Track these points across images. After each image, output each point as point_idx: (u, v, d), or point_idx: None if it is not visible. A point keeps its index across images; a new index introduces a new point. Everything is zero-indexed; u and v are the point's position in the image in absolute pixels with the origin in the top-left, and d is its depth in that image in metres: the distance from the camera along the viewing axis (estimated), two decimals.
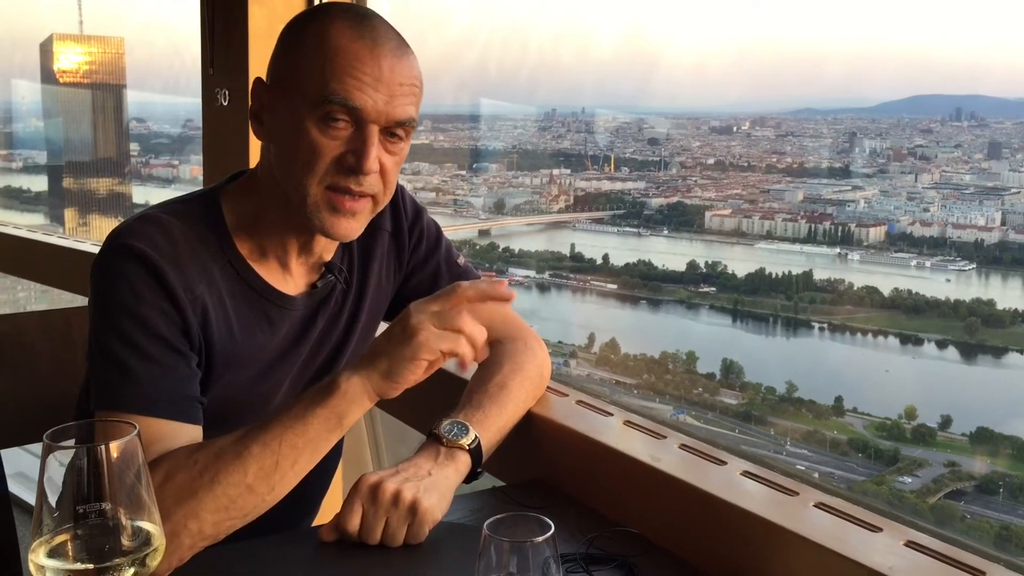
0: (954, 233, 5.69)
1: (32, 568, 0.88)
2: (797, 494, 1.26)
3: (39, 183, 8.88)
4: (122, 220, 1.34)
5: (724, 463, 1.36)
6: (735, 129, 6.79)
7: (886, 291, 5.82)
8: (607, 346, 6.14)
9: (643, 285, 6.56)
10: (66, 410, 1.45)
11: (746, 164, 6.62)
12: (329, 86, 1.25)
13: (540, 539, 0.86)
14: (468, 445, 1.33)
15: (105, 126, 8.38)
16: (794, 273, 6.16)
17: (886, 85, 6.96)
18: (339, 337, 1.49)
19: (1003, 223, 5.59)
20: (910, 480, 4.81)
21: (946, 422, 4.93)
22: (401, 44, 1.31)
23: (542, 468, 1.52)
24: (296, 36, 1.32)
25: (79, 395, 1.46)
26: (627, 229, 6.83)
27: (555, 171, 7.24)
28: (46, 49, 8.02)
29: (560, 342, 6.14)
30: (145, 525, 0.90)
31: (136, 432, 0.90)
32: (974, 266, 5.55)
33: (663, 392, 5.84)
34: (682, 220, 6.69)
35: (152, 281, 1.25)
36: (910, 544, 1.12)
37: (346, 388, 1.22)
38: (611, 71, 8.69)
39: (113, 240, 1.29)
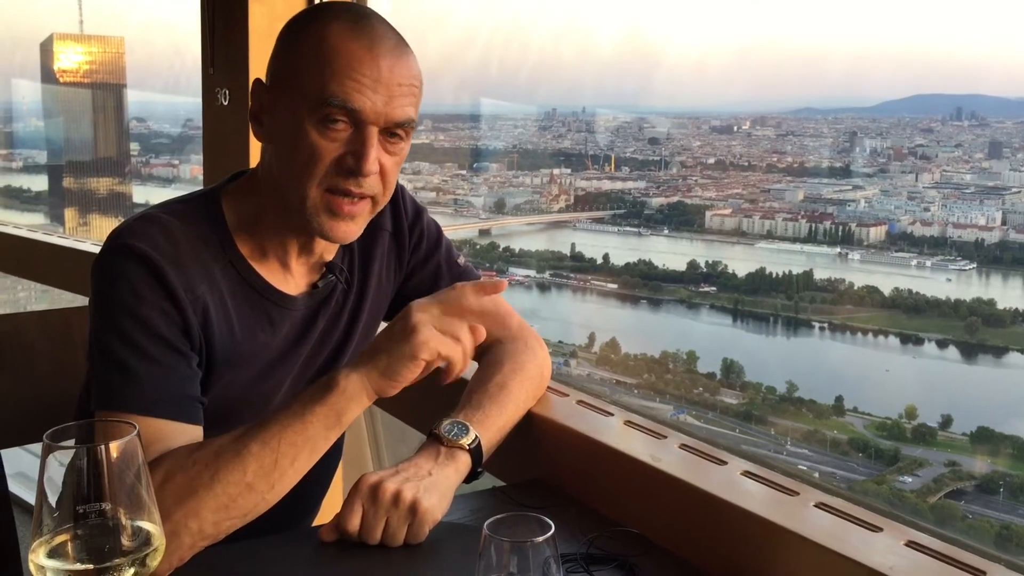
0: (955, 233, 5.69)
1: (32, 568, 0.88)
2: (797, 494, 1.26)
3: (39, 183, 8.89)
4: (122, 220, 1.34)
5: (724, 463, 1.36)
6: (735, 129, 6.78)
7: (887, 291, 5.81)
8: (607, 346, 6.14)
9: (643, 285, 6.55)
10: (66, 410, 1.45)
11: (746, 164, 6.61)
12: (328, 88, 1.24)
13: (540, 539, 0.86)
14: (468, 445, 1.33)
15: (105, 126, 8.38)
16: (794, 273, 6.15)
17: (886, 84, 6.96)
18: (340, 337, 1.49)
19: (1004, 223, 5.59)
20: (910, 480, 4.81)
21: (946, 422, 4.93)
22: (400, 44, 1.30)
23: (542, 468, 1.52)
24: (295, 36, 1.31)
25: (79, 395, 1.46)
26: (627, 229, 6.82)
27: (555, 171, 7.23)
28: (46, 49, 8.02)
29: (560, 342, 6.13)
30: (145, 525, 0.90)
31: (136, 432, 0.90)
32: (975, 266, 5.55)
33: (663, 392, 5.83)
34: (682, 220, 6.68)
35: (153, 281, 1.25)
36: (910, 544, 1.12)
37: (345, 385, 1.22)
38: (612, 70, 8.69)
39: (114, 240, 1.28)
